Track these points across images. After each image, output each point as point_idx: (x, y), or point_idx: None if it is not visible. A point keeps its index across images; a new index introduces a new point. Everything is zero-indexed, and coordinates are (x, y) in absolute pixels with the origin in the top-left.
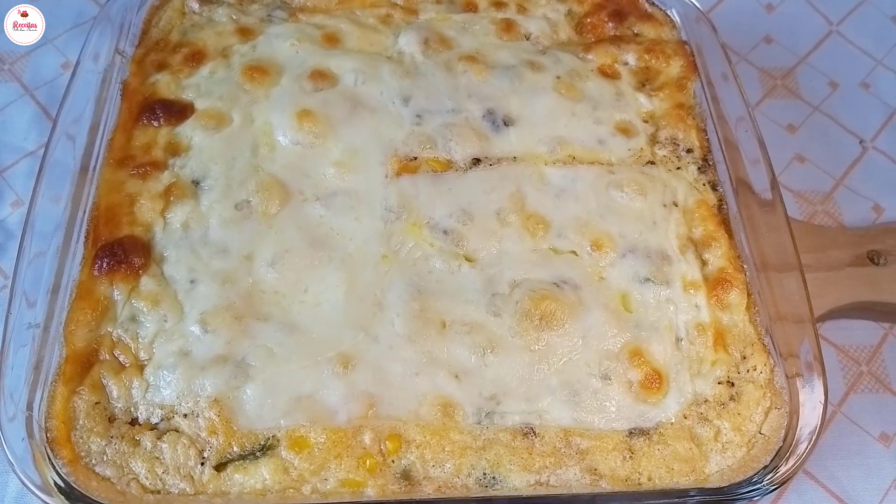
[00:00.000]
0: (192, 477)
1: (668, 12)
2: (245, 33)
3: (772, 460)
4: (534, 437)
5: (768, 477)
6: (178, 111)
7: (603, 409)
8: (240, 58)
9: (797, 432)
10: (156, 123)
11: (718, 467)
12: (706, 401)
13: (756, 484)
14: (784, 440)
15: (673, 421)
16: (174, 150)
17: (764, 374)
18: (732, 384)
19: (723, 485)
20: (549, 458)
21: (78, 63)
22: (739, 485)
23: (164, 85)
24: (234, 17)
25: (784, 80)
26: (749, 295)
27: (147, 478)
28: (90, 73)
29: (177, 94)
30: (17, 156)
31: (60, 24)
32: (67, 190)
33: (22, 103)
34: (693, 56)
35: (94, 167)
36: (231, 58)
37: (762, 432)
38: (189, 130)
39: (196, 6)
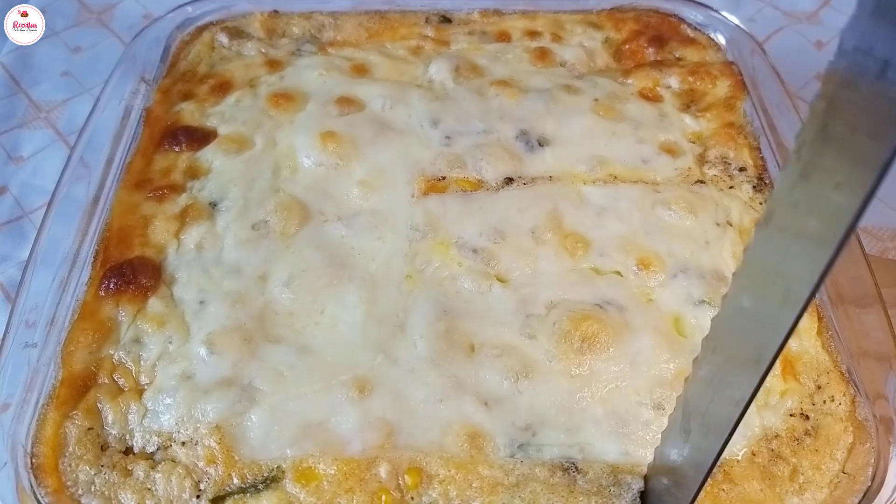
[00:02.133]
0: None
1: (713, 36)
2: (273, 65)
3: (859, 502)
4: (575, 473)
5: None
6: (201, 137)
7: (656, 443)
8: (267, 87)
9: (888, 471)
10: (177, 149)
11: None
12: (777, 436)
13: None
14: (873, 480)
15: (739, 458)
16: (193, 173)
17: (843, 406)
18: (807, 417)
19: None
20: (594, 498)
21: (100, 95)
22: None
23: (189, 113)
24: (263, 50)
25: None
26: (820, 319)
27: None
28: (113, 99)
29: (200, 122)
30: (44, 198)
31: (99, 76)
32: (81, 212)
33: (54, 149)
34: (741, 75)
35: (109, 191)
36: (258, 87)
37: (845, 471)
38: (210, 154)
39: (226, 41)
